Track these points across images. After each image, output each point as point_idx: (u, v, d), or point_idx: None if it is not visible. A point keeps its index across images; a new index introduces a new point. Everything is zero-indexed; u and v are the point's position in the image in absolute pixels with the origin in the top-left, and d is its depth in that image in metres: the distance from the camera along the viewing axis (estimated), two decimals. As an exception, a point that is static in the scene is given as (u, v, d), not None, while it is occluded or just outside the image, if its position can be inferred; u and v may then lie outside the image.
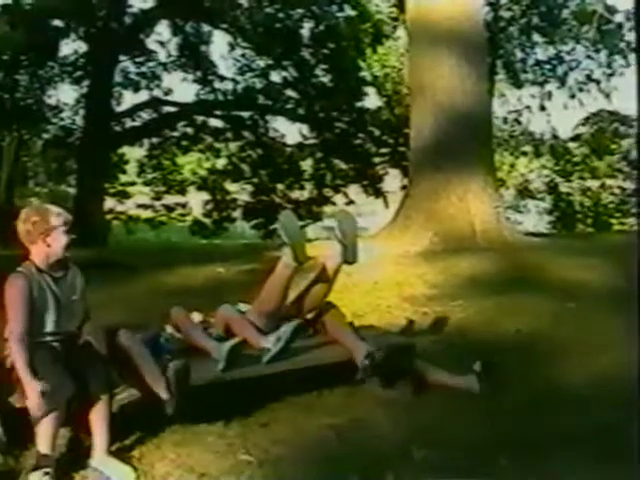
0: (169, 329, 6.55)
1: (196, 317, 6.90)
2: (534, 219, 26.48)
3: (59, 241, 5.58)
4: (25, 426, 5.19)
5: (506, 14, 25.84)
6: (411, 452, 5.51)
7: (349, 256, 6.89)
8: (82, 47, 24.55)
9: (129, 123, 26.00)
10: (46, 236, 5.54)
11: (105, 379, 5.45)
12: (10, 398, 5.32)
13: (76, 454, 5.49)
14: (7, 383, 5.33)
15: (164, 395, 5.62)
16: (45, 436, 5.11)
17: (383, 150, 25.77)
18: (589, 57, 26.69)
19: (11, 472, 5.15)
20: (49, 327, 5.52)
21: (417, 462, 5.38)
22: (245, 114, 26.13)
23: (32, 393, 5.13)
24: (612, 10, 25.27)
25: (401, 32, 20.89)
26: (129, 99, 26.95)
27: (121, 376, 5.68)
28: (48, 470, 5.07)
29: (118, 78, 24.90)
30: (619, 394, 6.24)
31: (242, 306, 6.89)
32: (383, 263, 11.14)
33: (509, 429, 5.81)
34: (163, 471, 5.38)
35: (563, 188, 27.37)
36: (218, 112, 26.28)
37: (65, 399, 5.12)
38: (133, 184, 27.72)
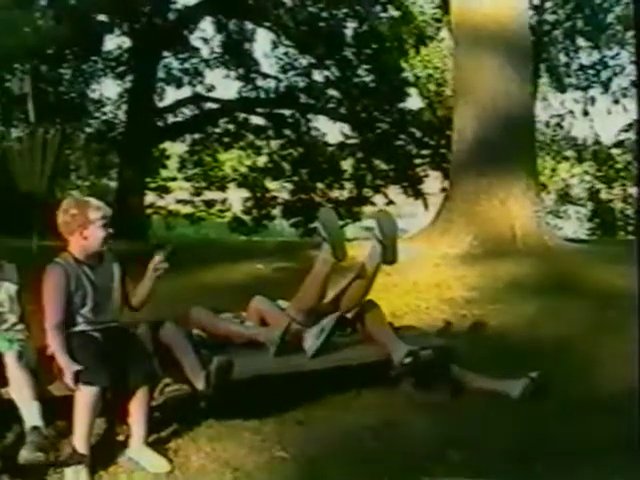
0: (195, 331, 6.52)
1: (282, 304, 6.89)
2: (574, 225, 26.30)
3: (96, 235, 5.64)
4: (65, 416, 5.23)
5: (550, 18, 25.71)
6: (446, 455, 5.50)
7: (388, 256, 6.87)
8: (126, 42, 24.74)
9: (171, 119, 26.16)
10: (84, 229, 5.59)
11: (146, 370, 5.48)
12: (50, 386, 5.35)
13: (113, 444, 5.52)
14: (48, 372, 5.36)
15: (201, 389, 5.64)
16: (81, 429, 5.15)
17: (424, 152, 25.71)
18: (633, 62, 26.47)
19: (51, 464, 5.17)
20: (87, 316, 5.58)
21: (452, 465, 5.36)
22: (287, 112, 26.19)
23: (70, 378, 5.21)
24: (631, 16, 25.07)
25: (445, 33, 20.82)
26: (171, 95, 27.05)
27: (163, 368, 5.71)
28: (84, 463, 5.10)
29: (161, 74, 25.02)
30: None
31: (281, 303, 6.89)
32: (422, 264, 11.12)
33: (546, 434, 5.77)
34: (198, 464, 5.41)
35: (604, 195, 27.16)
36: (260, 110, 26.37)
37: (98, 387, 5.16)
38: (174, 179, 27.83)
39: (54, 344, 5.37)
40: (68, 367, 5.25)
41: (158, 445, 5.53)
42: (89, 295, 5.60)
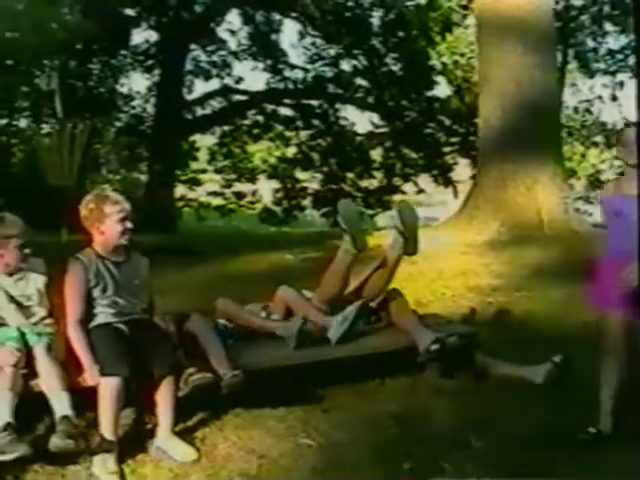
0: (221, 321, 6.61)
1: (307, 294, 6.98)
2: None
3: (113, 229, 5.69)
4: (94, 406, 5.33)
5: (577, 2, 25.58)
6: (469, 442, 5.54)
7: (409, 247, 6.93)
8: (153, 36, 24.89)
9: (200, 111, 26.29)
10: (100, 223, 5.66)
11: (171, 361, 5.57)
12: (79, 378, 5.45)
13: (141, 434, 5.61)
14: (77, 364, 5.46)
15: (227, 377, 5.72)
16: (107, 419, 5.24)
17: (453, 139, 25.69)
18: (633, 50, 26.32)
19: (81, 453, 5.26)
20: (112, 309, 5.66)
21: (474, 452, 5.40)
22: (315, 103, 26.25)
23: (91, 374, 5.34)
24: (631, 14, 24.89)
25: (471, 20, 20.75)
26: (200, 87, 27.17)
27: (189, 359, 5.81)
28: (112, 451, 5.20)
29: (189, 66, 25.18)
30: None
31: (306, 293, 6.96)
32: (449, 252, 11.15)
33: (568, 422, 5.78)
34: (225, 452, 5.48)
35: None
36: (288, 101, 26.43)
37: (120, 378, 5.26)
38: (204, 171, 27.96)
39: (75, 341, 5.49)
40: (88, 364, 5.39)
41: (185, 434, 5.60)
42: (110, 289, 5.69)
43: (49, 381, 5.25)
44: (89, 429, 5.34)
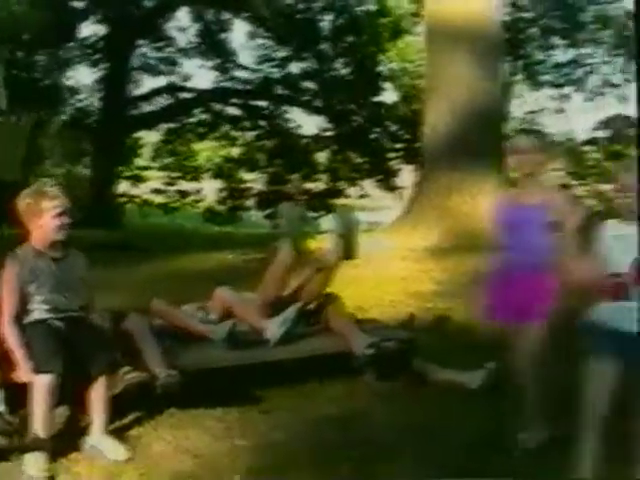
0: (158, 321, 6.60)
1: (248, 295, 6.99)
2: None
3: (49, 224, 5.63)
4: (28, 403, 5.27)
5: (527, 15, 25.84)
6: (406, 444, 5.56)
7: (349, 251, 7.00)
8: (101, 30, 24.65)
9: (146, 107, 26.12)
10: (38, 218, 5.61)
11: (106, 360, 5.52)
12: (12, 374, 5.40)
13: (74, 432, 5.56)
14: (11, 359, 5.40)
15: (162, 376, 5.71)
16: (39, 416, 5.19)
17: (398, 145, 25.79)
18: (608, 62, 26.70)
19: (13, 450, 5.21)
20: (48, 305, 5.60)
21: (411, 454, 5.42)
22: (262, 104, 26.24)
23: (24, 371, 5.29)
24: (631, 16, 25.25)
25: (421, 28, 20.85)
26: (147, 84, 26.99)
27: (125, 357, 5.78)
28: (44, 449, 5.15)
29: (137, 62, 25.03)
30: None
31: (247, 294, 6.98)
32: (392, 257, 11.21)
33: (501, 427, 5.82)
34: (159, 451, 5.45)
35: (577, 191, 27.31)
36: (235, 100, 26.38)
37: (53, 375, 5.20)
38: (148, 168, 27.79)
39: (9, 336, 5.45)
40: (21, 361, 5.34)
41: (119, 433, 5.58)
42: (47, 285, 5.63)
43: None
44: (23, 426, 5.28)
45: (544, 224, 5.46)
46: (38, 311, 5.59)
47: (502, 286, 5.71)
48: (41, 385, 5.18)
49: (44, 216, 5.61)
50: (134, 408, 5.87)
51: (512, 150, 5.80)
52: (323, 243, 7.85)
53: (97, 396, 5.43)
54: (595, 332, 4.78)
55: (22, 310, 5.54)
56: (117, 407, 5.59)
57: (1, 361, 5.39)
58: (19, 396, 5.28)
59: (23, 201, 5.69)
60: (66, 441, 5.42)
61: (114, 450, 5.33)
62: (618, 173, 5.16)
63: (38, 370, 5.21)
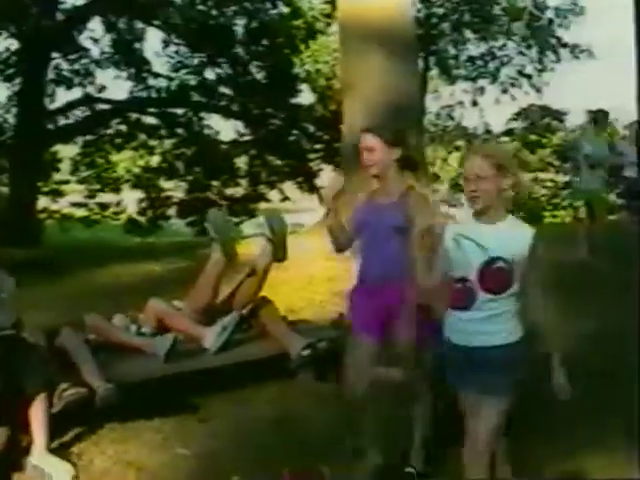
0: (91, 336, 6.57)
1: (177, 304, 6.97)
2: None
3: None
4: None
5: (438, 10, 26.12)
6: (344, 444, 5.62)
7: (279, 254, 7.07)
8: (14, 44, 24.31)
9: (62, 121, 25.75)
10: None
11: (42, 377, 5.50)
12: None
13: (15, 452, 5.53)
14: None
15: (100, 390, 5.70)
16: None
17: (317, 146, 25.88)
18: (520, 53, 27.15)
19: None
20: None
21: (350, 454, 5.48)
22: (179, 111, 26.11)
23: None
24: (541, 7, 25.71)
25: (335, 28, 20.98)
26: (62, 96, 26.77)
27: (62, 374, 5.74)
28: None
29: (51, 75, 24.65)
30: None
31: (176, 303, 6.98)
32: (317, 258, 11.24)
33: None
34: (102, 467, 5.46)
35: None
36: (152, 109, 26.20)
37: None
38: (67, 182, 27.45)
39: None
40: None
41: (61, 450, 5.56)
42: None
43: None
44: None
45: (393, 228, 5.05)
46: None
47: (356, 297, 5.38)
48: None
49: None
50: (74, 425, 5.85)
51: (361, 147, 5.24)
52: (248, 248, 7.91)
53: (36, 415, 5.41)
54: (439, 349, 4.55)
55: None
56: (57, 424, 5.58)
57: None
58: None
59: None
60: (8, 462, 5.39)
61: (57, 468, 5.31)
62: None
63: None
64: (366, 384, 5.18)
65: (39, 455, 5.38)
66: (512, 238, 4.21)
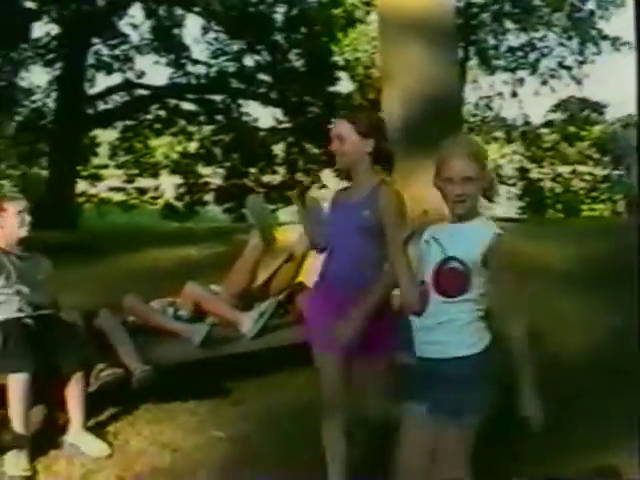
0: (130, 318, 6.63)
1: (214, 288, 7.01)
2: (505, 205, 26.59)
3: (11, 223, 5.85)
4: (4, 404, 5.35)
5: (479, 0, 26.00)
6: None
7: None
8: (54, 29, 24.51)
9: (102, 106, 25.95)
10: (0, 218, 5.81)
11: (80, 357, 5.58)
12: None
13: (53, 431, 5.60)
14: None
15: (137, 372, 5.76)
16: (17, 415, 5.25)
17: (356, 135, 25.84)
18: (561, 44, 26.92)
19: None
20: (18, 304, 5.71)
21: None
22: (218, 98, 26.18)
23: None
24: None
25: (374, 16, 20.95)
26: (102, 82, 26.93)
27: (99, 355, 5.83)
28: (22, 449, 5.19)
29: (91, 61, 24.86)
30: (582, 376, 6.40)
31: (213, 287, 7.01)
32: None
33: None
34: (137, 447, 5.53)
35: (534, 174, 27.54)
36: (191, 95, 26.30)
37: (26, 374, 5.27)
38: (105, 167, 27.66)
39: None
40: None
41: (97, 430, 5.63)
42: (15, 282, 5.78)
43: None
44: (1, 427, 5.34)
45: (358, 227, 4.67)
46: (7, 308, 5.66)
47: (314, 298, 5.05)
48: (15, 385, 5.25)
49: (6, 216, 5.81)
50: (111, 404, 5.92)
51: (332, 136, 4.87)
52: (285, 235, 7.92)
53: (73, 393, 5.50)
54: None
55: None
56: (94, 404, 5.65)
57: None
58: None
59: None
60: (45, 440, 5.47)
61: (93, 447, 5.42)
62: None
63: (10, 370, 5.26)
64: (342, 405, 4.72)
65: (75, 433, 5.48)
66: (470, 238, 3.91)
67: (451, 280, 3.89)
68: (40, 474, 5.17)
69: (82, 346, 5.72)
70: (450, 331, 3.87)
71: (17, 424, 5.24)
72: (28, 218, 5.91)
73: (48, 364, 5.44)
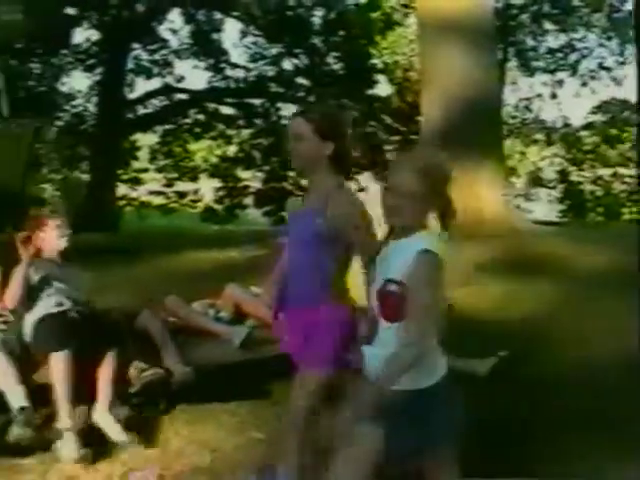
0: (170, 319, 6.70)
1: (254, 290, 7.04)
2: (545, 208, 26.45)
3: (52, 236, 6.16)
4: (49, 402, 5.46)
5: (517, 1, 25.91)
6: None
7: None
8: (95, 35, 24.77)
9: (141, 110, 26.21)
10: (42, 231, 6.12)
11: (114, 337, 5.85)
12: (35, 375, 5.64)
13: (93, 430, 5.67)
14: (32, 359, 5.68)
15: (178, 372, 5.82)
16: (62, 395, 5.42)
17: (394, 138, 25.85)
18: (601, 45, 26.76)
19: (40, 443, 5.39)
20: (58, 300, 5.93)
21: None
22: (257, 101, 26.29)
23: None
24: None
25: (412, 19, 20.94)
26: (141, 86, 27.18)
27: (141, 355, 5.95)
28: (71, 433, 5.37)
29: (130, 65, 25.13)
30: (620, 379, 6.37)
31: (254, 289, 7.03)
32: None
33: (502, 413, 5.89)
34: (177, 447, 5.56)
35: (574, 177, 27.35)
36: (230, 99, 26.46)
37: (66, 352, 5.49)
38: (145, 171, 27.88)
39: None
40: None
41: (137, 428, 5.68)
42: (58, 285, 6.04)
43: (4, 376, 5.42)
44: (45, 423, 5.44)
45: (308, 239, 4.31)
46: (48, 303, 5.89)
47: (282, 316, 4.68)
48: (58, 363, 5.45)
49: (47, 229, 6.12)
50: (151, 404, 5.97)
51: (290, 133, 4.42)
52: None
53: (104, 372, 5.69)
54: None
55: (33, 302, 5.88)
56: (135, 404, 5.72)
57: (23, 362, 5.59)
58: (39, 397, 5.43)
59: (29, 216, 6.25)
60: (86, 439, 5.54)
61: (113, 430, 5.55)
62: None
63: (55, 348, 5.47)
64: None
65: (100, 413, 5.63)
66: (405, 256, 3.54)
67: (389, 304, 3.59)
68: (80, 473, 5.22)
69: (121, 335, 5.92)
70: None
71: (62, 405, 5.40)
72: (67, 231, 6.20)
73: (85, 345, 5.64)
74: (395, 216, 3.63)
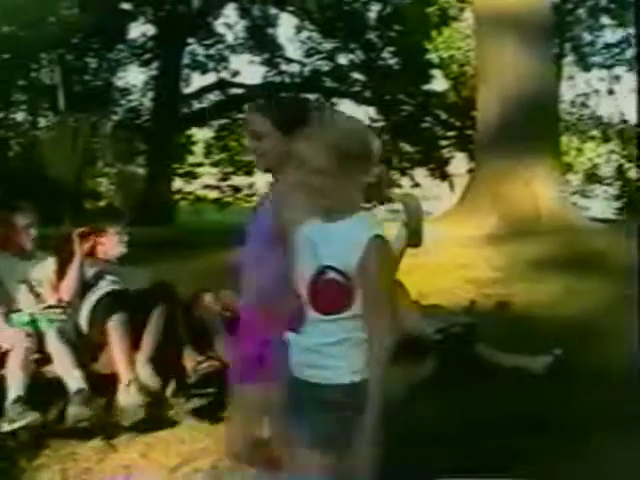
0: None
1: None
2: (602, 205, 26.19)
3: (111, 242, 6.52)
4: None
5: (574, -4, 25.67)
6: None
7: (414, 239, 6.98)
8: (150, 30, 24.93)
9: (197, 105, 26.32)
10: (101, 238, 6.48)
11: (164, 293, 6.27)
12: (95, 365, 5.89)
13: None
14: (90, 346, 5.97)
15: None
16: (121, 355, 5.78)
17: (450, 133, 25.76)
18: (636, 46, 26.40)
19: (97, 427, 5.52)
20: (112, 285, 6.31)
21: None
22: (312, 96, 26.28)
23: None
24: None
25: (468, 14, 20.82)
26: (197, 81, 27.23)
27: (197, 345, 6.09)
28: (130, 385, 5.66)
29: (186, 60, 25.25)
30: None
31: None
32: (449, 245, 11.20)
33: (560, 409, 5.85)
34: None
35: (632, 174, 27.03)
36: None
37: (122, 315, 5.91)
38: (201, 165, 28.00)
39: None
40: None
41: (193, 419, 5.83)
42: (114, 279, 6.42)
43: (62, 362, 5.60)
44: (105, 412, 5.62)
45: (271, 238, 3.73)
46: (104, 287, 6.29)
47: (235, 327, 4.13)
48: (115, 326, 5.82)
49: (107, 236, 6.47)
50: (207, 395, 6.01)
51: (248, 131, 3.93)
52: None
53: (150, 325, 6.01)
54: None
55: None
56: (191, 395, 5.79)
57: (80, 351, 5.79)
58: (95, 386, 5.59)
59: (87, 226, 6.47)
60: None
61: (149, 378, 5.82)
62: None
63: (111, 313, 5.85)
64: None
65: (141, 363, 5.86)
66: (348, 241, 3.13)
67: (327, 294, 3.16)
68: (137, 459, 5.28)
69: (167, 292, 6.37)
70: (328, 354, 3.16)
71: (121, 363, 5.71)
72: (125, 237, 6.52)
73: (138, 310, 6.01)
74: (316, 197, 3.20)
